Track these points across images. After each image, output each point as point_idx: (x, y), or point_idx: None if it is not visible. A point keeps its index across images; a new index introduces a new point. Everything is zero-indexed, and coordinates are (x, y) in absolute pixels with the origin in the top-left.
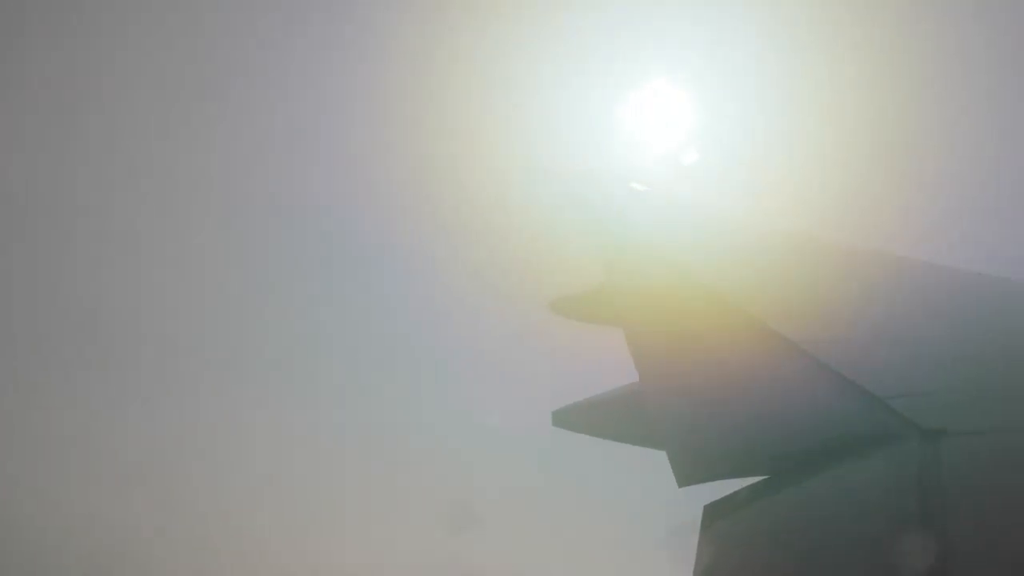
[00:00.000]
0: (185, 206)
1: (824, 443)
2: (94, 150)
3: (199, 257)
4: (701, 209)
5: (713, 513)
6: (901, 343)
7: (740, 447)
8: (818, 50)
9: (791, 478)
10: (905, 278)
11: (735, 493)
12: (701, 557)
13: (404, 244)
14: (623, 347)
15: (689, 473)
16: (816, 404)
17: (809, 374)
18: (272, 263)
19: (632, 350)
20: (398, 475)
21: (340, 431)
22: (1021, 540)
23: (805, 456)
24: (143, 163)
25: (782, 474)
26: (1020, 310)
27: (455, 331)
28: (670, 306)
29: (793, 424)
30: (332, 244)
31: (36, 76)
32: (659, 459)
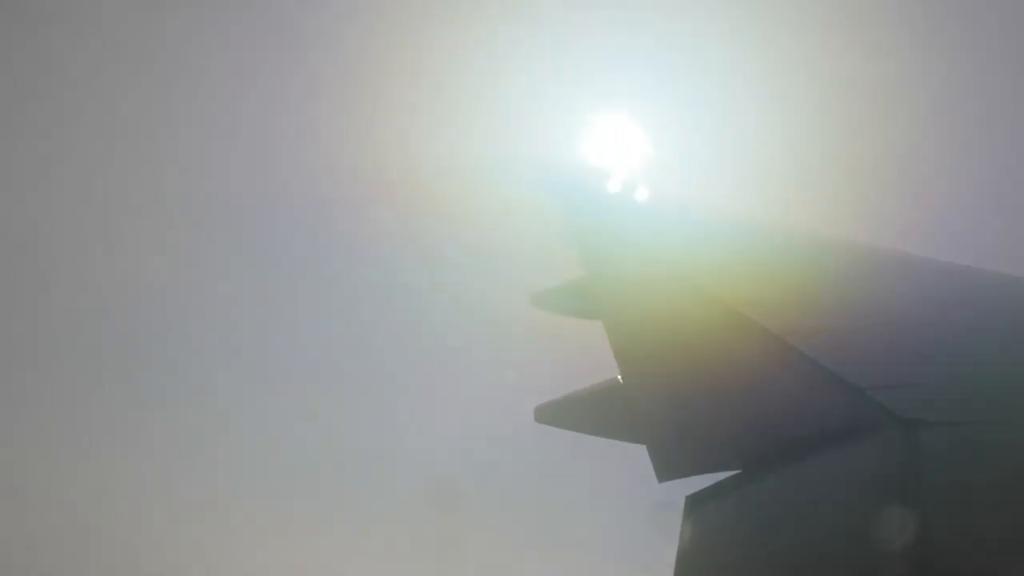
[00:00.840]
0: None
1: (805, 434)
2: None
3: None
4: (680, 203)
5: (695, 503)
6: (881, 334)
7: (721, 441)
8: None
9: (773, 467)
10: (885, 269)
11: (718, 483)
12: (683, 546)
13: (382, 238)
14: (604, 340)
15: (669, 468)
16: (797, 395)
17: (790, 365)
18: (247, 254)
19: (612, 344)
20: (378, 472)
21: (317, 427)
22: (998, 529)
23: (786, 448)
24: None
25: (764, 464)
26: (1001, 302)
27: (435, 325)
28: (650, 299)
29: (774, 416)
30: (309, 237)
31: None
32: (643, 453)
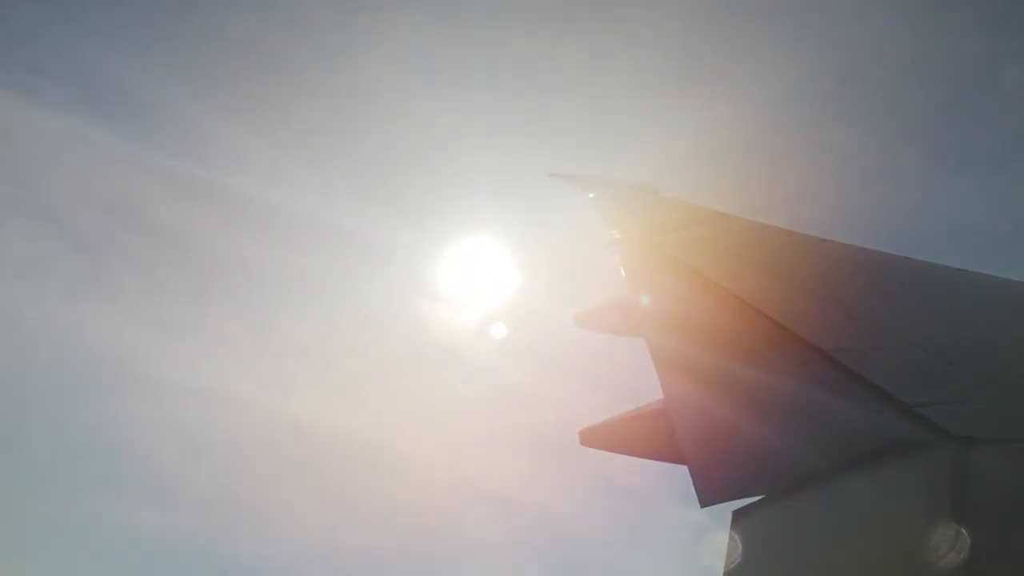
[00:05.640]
0: None
1: (854, 452)
2: None
3: None
4: (725, 217)
5: (742, 517)
6: (930, 350)
7: (766, 463)
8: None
9: (822, 484)
10: (934, 284)
11: (764, 498)
12: (730, 562)
13: (425, 255)
14: (647, 359)
15: (711, 492)
16: (845, 413)
17: (838, 383)
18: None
19: (656, 363)
20: (417, 501)
21: (361, 456)
22: None
23: (835, 466)
24: None
25: (812, 480)
26: None
27: (478, 347)
28: (694, 316)
29: (823, 434)
30: (346, 247)
31: None
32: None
